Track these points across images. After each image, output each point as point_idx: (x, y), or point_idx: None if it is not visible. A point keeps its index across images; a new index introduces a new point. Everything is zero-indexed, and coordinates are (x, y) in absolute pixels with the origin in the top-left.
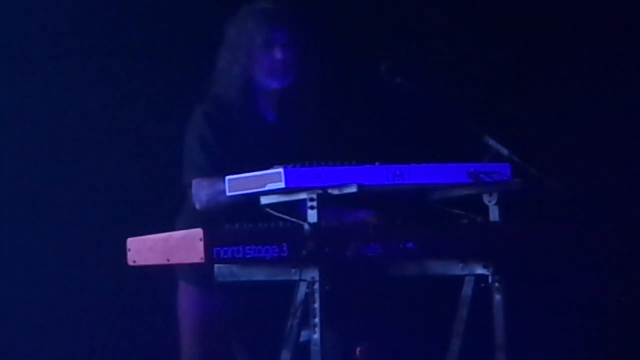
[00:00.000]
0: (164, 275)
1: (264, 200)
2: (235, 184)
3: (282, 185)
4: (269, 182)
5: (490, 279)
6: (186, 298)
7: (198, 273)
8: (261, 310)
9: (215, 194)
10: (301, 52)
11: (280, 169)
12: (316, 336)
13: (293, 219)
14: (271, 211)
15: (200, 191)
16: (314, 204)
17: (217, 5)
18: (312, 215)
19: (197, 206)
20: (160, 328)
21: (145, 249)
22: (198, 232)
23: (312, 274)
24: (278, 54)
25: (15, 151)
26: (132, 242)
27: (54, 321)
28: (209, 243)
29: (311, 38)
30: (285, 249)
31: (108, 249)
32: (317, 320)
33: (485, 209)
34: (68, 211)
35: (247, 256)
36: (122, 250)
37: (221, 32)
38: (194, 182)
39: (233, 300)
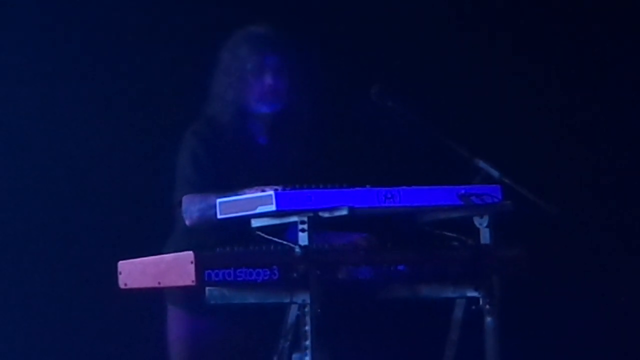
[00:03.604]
0: (153, 299)
1: (255, 222)
2: (226, 207)
3: (273, 207)
4: (259, 205)
5: (481, 302)
6: (174, 321)
7: (186, 296)
8: (251, 333)
9: (207, 209)
10: (292, 78)
11: (271, 192)
12: (307, 359)
13: (284, 242)
14: (262, 234)
15: (192, 206)
16: (305, 226)
17: (212, 27)
18: (303, 238)
19: (188, 222)
20: (150, 351)
21: (136, 272)
22: (189, 255)
23: (303, 296)
24: (268, 80)
25: (7, 174)
26: (123, 265)
27: (43, 343)
28: (200, 266)
29: (303, 64)
30: (276, 271)
31: (99, 272)
32: (308, 342)
33: (476, 231)
34: (59, 234)
35: (239, 279)
36: (113, 273)
37: (215, 55)
38: (184, 198)
39: (222, 323)
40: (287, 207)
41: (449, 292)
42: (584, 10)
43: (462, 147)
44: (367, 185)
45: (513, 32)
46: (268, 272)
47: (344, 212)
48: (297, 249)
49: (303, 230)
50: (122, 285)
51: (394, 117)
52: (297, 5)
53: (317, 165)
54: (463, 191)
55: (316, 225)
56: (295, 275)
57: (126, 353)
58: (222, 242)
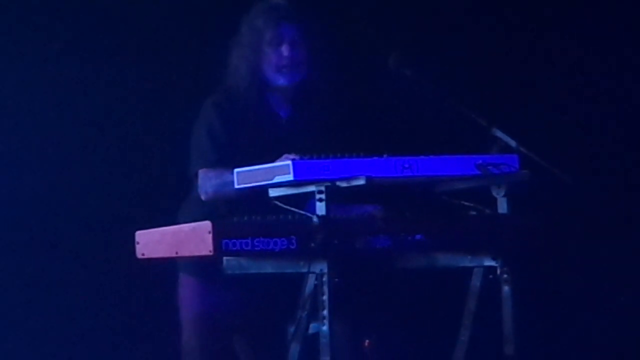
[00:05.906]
0: (167, 267)
1: (273, 192)
2: (244, 177)
3: (290, 177)
4: (277, 175)
5: (498, 271)
6: (187, 290)
7: (199, 265)
8: (268, 303)
9: (222, 186)
10: (310, 49)
11: (289, 162)
12: (325, 328)
13: (302, 212)
14: (279, 204)
15: (207, 182)
16: (323, 196)
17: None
18: (320, 208)
19: (203, 197)
20: (164, 320)
21: (153, 242)
22: (207, 224)
23: (321, 266)
24: (285, 51)
25: (22, 146)
26: (141, 235)
27: (59, 313)
28: (218, 235)
29: (320, 34)
30: (294, 241)
31: (116, 242)
32: (325, 312)
33: (493, 201)
34: (76, 204)
35: (256, 249)
36: (131, 243)
37: (234, 26)
38: (200, 172)
39: (238, 293)
40: (305, 176)
41: (466, 262)
42: None
43: (479, 117)
44: (385, 155)
45: (531, 3)
46: (286, 242)
47: (362, 181)
48: (315, 219)
49: (321, 200)
50: (139, 255)
51: (412, 86)
52: None
53: (335, 134)
54: (480, 161)
55: (334, 195)
56: (313, 244)
57: (141, 320)
58: (238, 211)
